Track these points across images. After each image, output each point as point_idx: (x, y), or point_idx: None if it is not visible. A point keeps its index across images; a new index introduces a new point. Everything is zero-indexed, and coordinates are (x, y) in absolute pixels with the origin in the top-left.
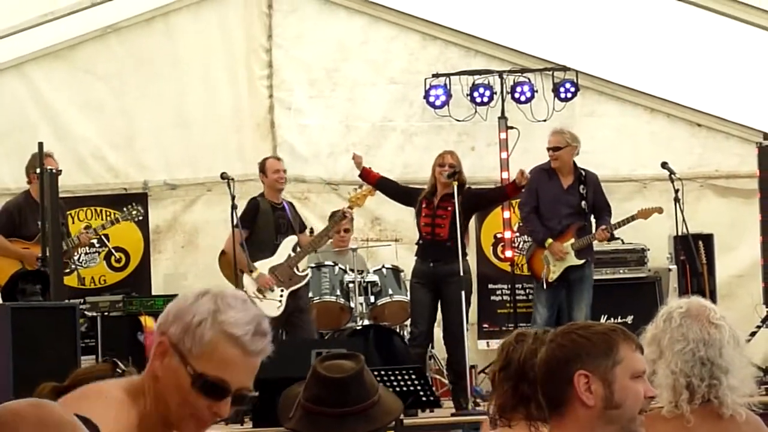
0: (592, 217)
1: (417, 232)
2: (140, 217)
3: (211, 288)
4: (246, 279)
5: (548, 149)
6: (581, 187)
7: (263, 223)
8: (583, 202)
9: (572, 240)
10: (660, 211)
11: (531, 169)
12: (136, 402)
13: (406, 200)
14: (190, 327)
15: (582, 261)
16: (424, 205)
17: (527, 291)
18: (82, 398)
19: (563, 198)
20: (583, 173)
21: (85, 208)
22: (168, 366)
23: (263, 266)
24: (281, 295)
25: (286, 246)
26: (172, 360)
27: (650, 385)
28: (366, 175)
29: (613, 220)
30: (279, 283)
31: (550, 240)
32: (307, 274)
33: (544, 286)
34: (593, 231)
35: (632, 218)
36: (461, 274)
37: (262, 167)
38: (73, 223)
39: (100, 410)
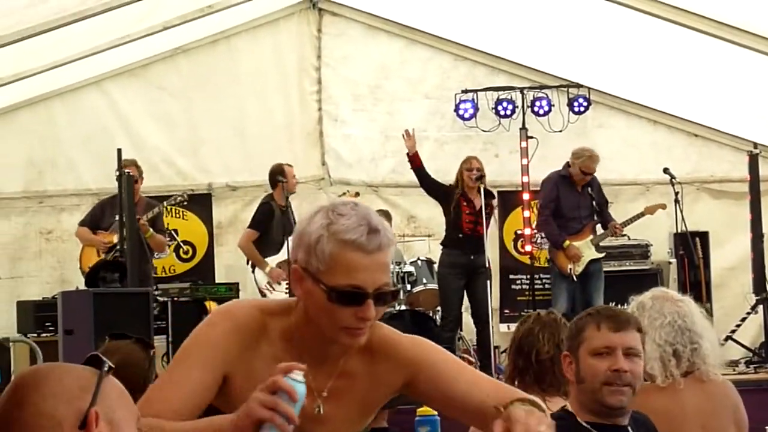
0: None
1: (449, 226)
2: (185, 203)
3: (322, 203)
4: (258, 273)
5: (586, 173)
6: (589, 189)
7: (275, 225)
8: (594, 203)
9: (591, 236)
10: (664, 207)
11: (549, 175)
12: (276, 316)
13: (434, 192)
14: (311, 247)
15: (602, 254)
16: (464, 204)
17: (543, 281)
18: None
19: (581, 201)
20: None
21: None
22: (306, 290)
23: (272, 262)
24: (287, 288)
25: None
26: (308, 283)
27: (620, 360)
28: (413, 158)
29: (621, 219)
30: (287, 276)
31: (568, 242)
32: None
33: (571, 278)
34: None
35: (641, 215)
36: (488, 266)
37: (281, 171)
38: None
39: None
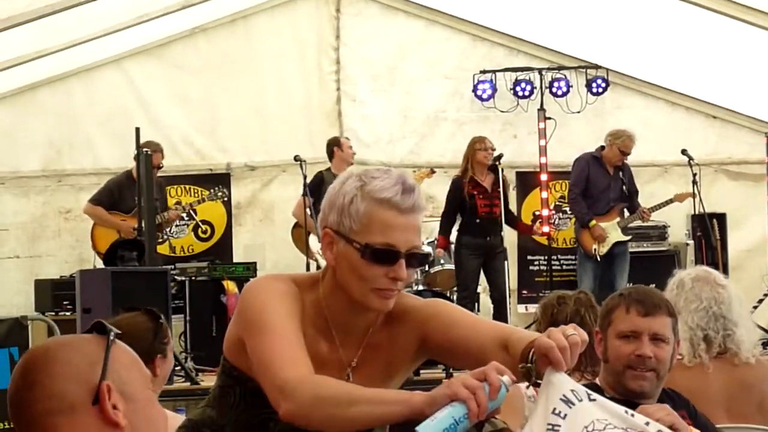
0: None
1: (464, 214)
2: (225, 198)
3: (352, 171)
4: (312, 239)
5: (624, 153)
6: (621, 173)
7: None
8: (624, 187)
9: (617, 219)
10: (694, 196)
11: (581, 155)
12: (305, 289)
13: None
14: (344, 208)
15: (628, 237)
16: (474, 188)
17: (561, 262)
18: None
19: (611, 184)
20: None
21: (176, 186)
22: (338, 253)
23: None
24: None
25: None
26: (339, 245)
27: (645, 345)
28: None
29: (644, 202)
30: None
31: (594, 222)
32: None
33: (595, 259)
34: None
35: (670, 201)
36: (505, 246)
37: (338, 143)
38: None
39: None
